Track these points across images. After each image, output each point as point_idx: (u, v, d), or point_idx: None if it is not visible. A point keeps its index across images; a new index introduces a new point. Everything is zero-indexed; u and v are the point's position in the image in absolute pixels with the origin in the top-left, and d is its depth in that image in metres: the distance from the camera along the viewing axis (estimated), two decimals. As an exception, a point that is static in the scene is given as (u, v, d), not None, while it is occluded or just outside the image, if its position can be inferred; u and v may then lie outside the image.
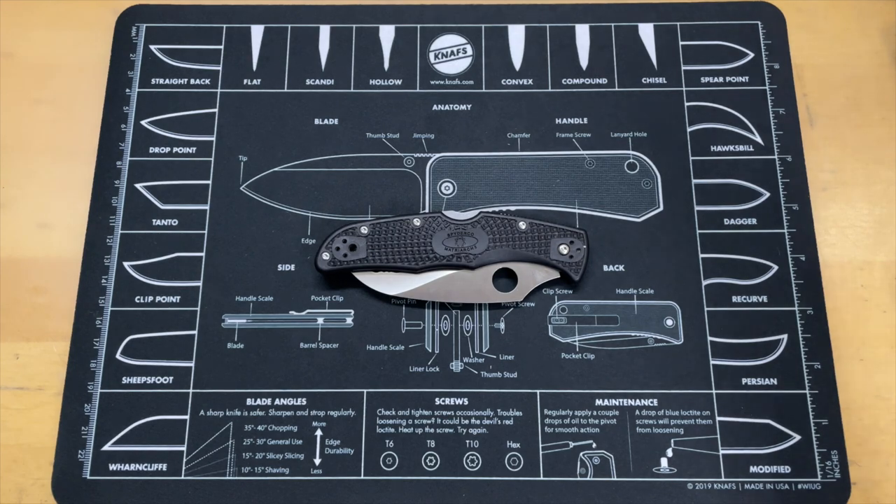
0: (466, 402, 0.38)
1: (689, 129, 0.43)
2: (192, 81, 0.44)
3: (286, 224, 0.41)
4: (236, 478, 0.37)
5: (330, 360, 0.39)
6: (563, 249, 0.39)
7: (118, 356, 0.39)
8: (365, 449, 0.37)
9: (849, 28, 0.45)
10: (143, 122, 0.43)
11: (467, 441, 0.37)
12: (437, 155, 0.42)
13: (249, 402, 0.38)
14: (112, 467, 0.37)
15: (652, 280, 0.40)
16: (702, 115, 0.43)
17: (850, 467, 0.37)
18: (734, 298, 0.40)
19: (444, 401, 0.38)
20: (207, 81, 0.44)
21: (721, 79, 0.44)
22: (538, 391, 0.38)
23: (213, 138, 0.43)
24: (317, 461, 0.37)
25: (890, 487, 0.37)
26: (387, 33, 0.45)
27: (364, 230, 0.39)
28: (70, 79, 0.45)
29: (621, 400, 0.38)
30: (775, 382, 0.38)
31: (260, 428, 0.38)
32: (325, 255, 0.39)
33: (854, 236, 0.41)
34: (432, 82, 0.44)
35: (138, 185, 0.42)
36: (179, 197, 0.42)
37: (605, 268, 0.40)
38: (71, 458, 0.37)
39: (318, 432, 0.38)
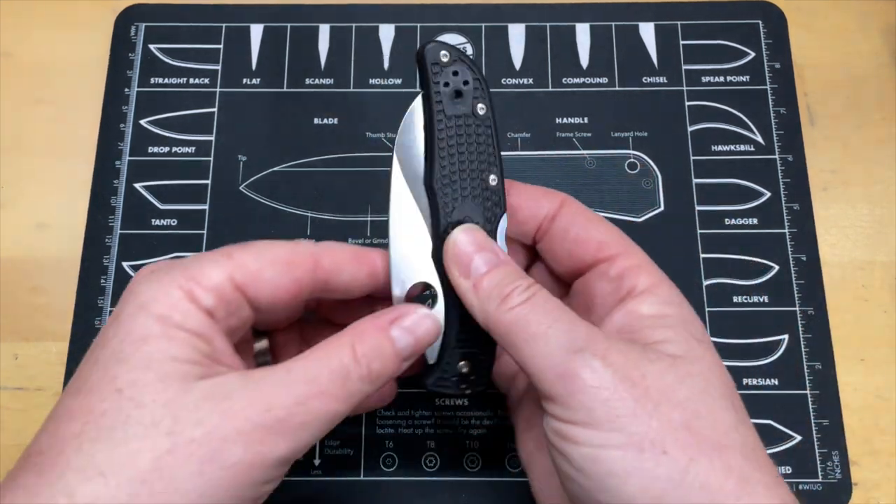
0: (466, 403, 0.38)
1: (689, 129, 0.43)
2: (191, 81, 0.44)
3: (286, 224, 0.41)
4: (236, 478, 0.37)
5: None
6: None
7: (117, 356, 0.39)
8: (364, 449, 0.37)
9: (850, 28, 0.45)
10: (143, 122, 0.43)
11: (467, 441, 0.37)
12: (437, 154, 0.42)
13: (249, 402, 0.38)
14: (111, 468, 0.37)
15: (652, 280, 0.40)
16: (702, 114, 0.43)
17: (851, 468, 0.37)
18: (735, 299, 0.40)
19: (444, 401, 0.38)
20: (207, 81, 0.44)
21: (722, 78, 0.44)
22: (538, 391, 0.38)
23: (213, 138, 0.43)
24: (316, 461, 0.37)
25: (891, 488, 0.37)
26: (387, 32, 0.45)
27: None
28: (69, 78, 0.44)
29: (622, 400, 0.38)
30: (776, 383, 0.38)
31: (259, 428, 0.38)
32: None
33: (855, 236, 0.41)
34: (432, 82, 0.44)
35: (137, 185, 0.42)
36: (179, 197, 0.41)
37: (606, 268, 0.40)
38: (70, 458, 0.37)
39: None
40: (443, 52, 0.29)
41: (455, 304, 0.29)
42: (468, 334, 0.30)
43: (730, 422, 0.26)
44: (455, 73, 0.29)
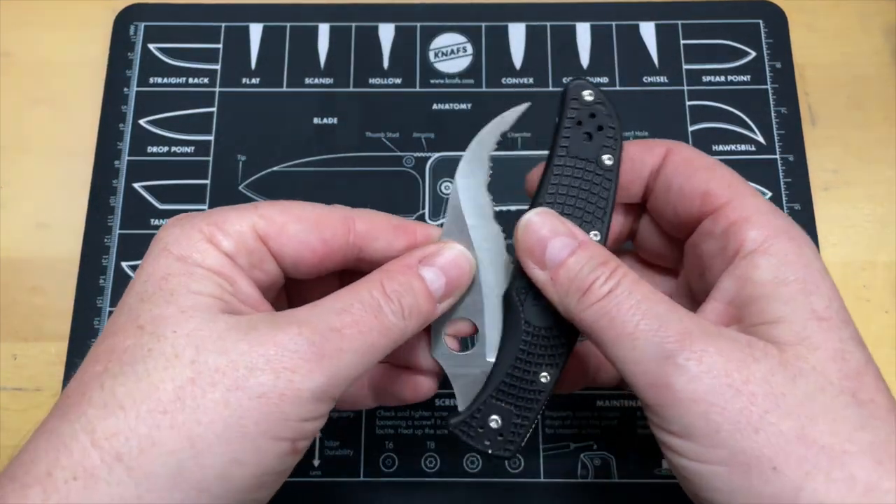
0: (466, 403, 0.38)
1: (690, 129, 0.43)
2: (190, 80, 0.44)
3: (285, 224, 0.41)
4: (235, 479, 0.37)
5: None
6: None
7: (116, 357, 0.39)
8: (364, 450, 0.37)
9: (851, 27, 0.45)
10: (142, 122, 0.43)
11: (467, 442, 0.37)
12: (437, 154, 0.42)
13: (248, 402, 0.38)
14: (110, 468, 0.37)
15: (653, 280, 0.40)
16: (703, 114, 0.43)
17: (852, 468, 0.37)
18: (736, 299, 0.39)
19: (444, 402, 0.38)
20: (206, 80, 0.44)
21: (723, 78, 0.43)
22: (539, 392, 0.38)
23: (212, 138, 0.43)
24: (315, 462, 0.37)
25: (892, 489, 0.37)
26: (386, 32, 0.45)
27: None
28: (68, 78, 0.44)
29: (622, 401, 0.38)
30: (777, 383, 0.38)
31: (259, 429, 0.37)
32: None
33: (856, 236, 0.41)
34: (432, 81, 0.44)
35: (136, 185, 0.42)
36: (178, 197, 0.41)
37: (606, 268, 0.40)
38: (69, 459, 0.37)
39: (318, 433, 0.37)
40: (587, 91, 0.27)
41: (507, 351, 0.28)
42: (511, 389, 0.28)
43: (854, 421, 0.22)
44: (592, 116, 0.27)
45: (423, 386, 0.30)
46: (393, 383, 0.30)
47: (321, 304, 0.24)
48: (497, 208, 0.41)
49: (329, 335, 0.23)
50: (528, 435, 0.28)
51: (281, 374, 0.22)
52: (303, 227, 0.26)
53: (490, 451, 0.28)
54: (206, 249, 0.24)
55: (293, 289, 0.29)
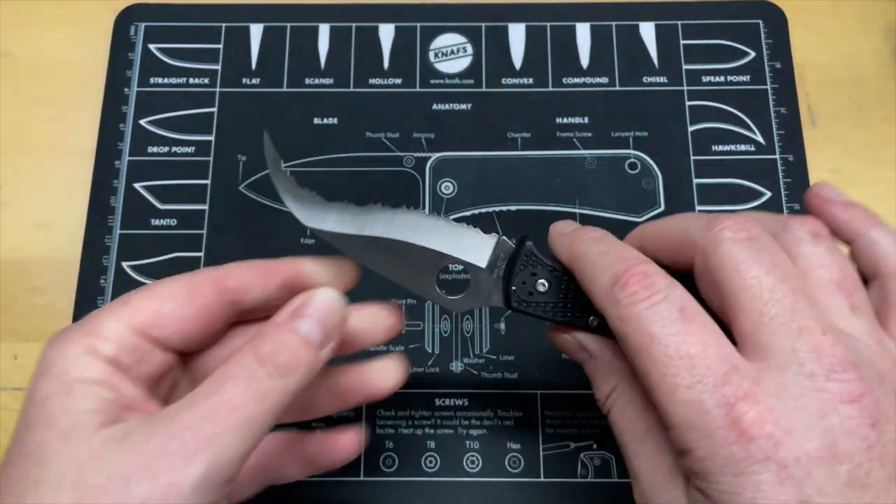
0: (466, 403, 0.38)
1: (690, 129, 0.43)
2: (190, 81, 0.44)
3: (285, 224, 0.41)
4: (235, 479, 0.37)
5: (329, 361, 0.39)
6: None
7: (117, 357, 0.39)
8: (364, 450, 0.37)
9: (851, 27, 0.45)
10: (142, 122, 0.43)
11: (467, 442, 0.37)
12: (437, 154, 0.42)
13: (248, 402, 0.38)
14: (110, 468, 0.37)
15: (653, 280, 0.40)
16: (703, 114, 0.43)
17: (852, 468, 0.37)
18: (735, 299, 0.39)
19: (444, 401, 0.38)
20: (206, 81, 0.44)
21: (722, 78, 0.44)
22: (539, 392, 0.38)
23: (212, 138, 0.43)
24: (316, 462, 0.37)
25: (892, 489, 0.37)
26: (386, 32, 0.45)
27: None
28: (68, 78, 0.44)
29: (622, 401, 0.38)
30: (777, 383, 0.38)
31: (259, 429, 0.37)
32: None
33: (856, 236, 0.41)
34: (432, 81, 0.44)
35: (137, 185, 0.42)
36: (178, 197, 0.41)
37: (606, 268, 0.40)
38: (69, 459, 0.37)
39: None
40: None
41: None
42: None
43: None
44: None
45: (345, 443, 0.30)
46: (316, 449, 0.30)
47: (196, 392, 0.24)
48: (497, 209, 0.41)
49: (200, 425, 0.23)
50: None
51: (157, 478, 0.22)
52: (177, 305, 0.26)
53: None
54: (86, 362, 0.25)
55: (196, 360, 0.29)
